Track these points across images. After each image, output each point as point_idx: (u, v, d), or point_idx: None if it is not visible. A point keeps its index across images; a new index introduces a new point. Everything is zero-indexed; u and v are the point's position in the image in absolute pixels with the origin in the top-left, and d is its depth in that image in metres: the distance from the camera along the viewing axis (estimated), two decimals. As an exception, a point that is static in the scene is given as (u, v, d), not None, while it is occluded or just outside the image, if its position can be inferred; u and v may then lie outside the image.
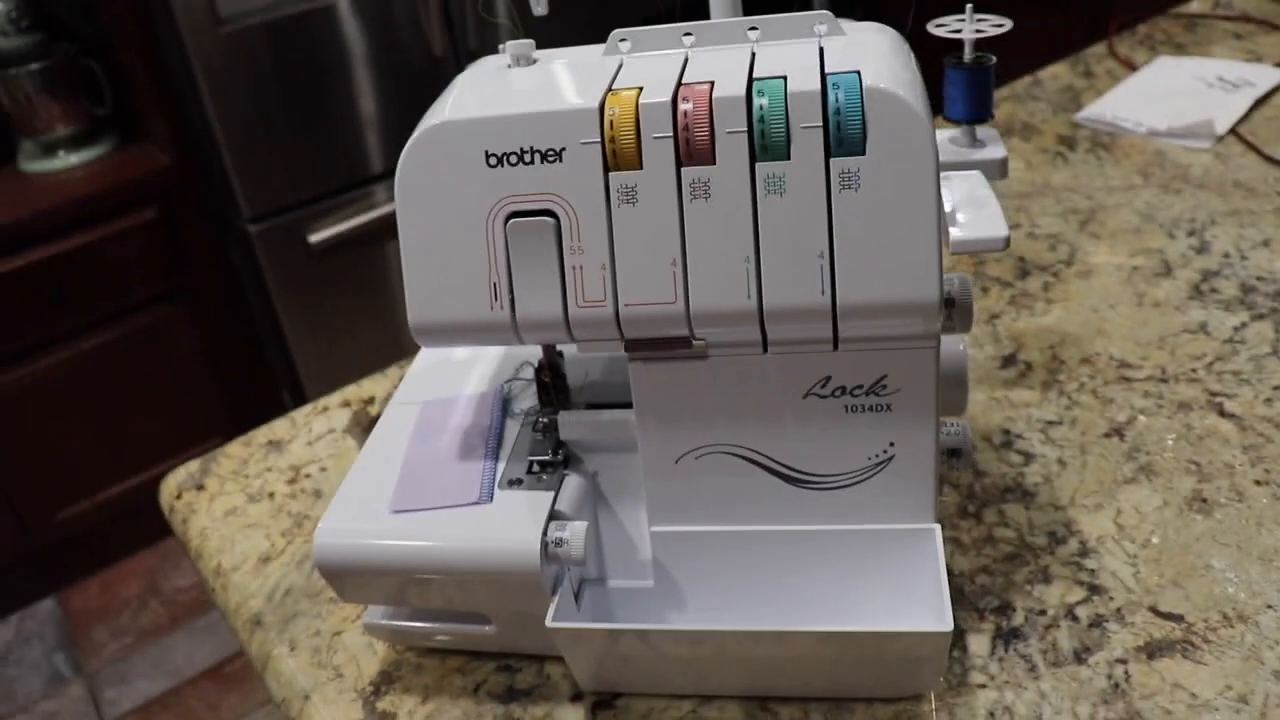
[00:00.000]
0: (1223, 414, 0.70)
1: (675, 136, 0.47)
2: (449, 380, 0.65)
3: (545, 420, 0.58)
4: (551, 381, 0.58)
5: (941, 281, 0.47)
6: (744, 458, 0.54)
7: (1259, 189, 0.96)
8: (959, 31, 0.63)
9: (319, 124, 1.81)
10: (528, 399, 0.62)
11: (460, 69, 0.56)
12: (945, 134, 0.65)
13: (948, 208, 0.52)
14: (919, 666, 0.51)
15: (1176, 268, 0.86)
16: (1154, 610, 0.57)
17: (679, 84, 0.48)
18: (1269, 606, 0.56)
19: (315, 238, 1.86)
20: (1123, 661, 0.55)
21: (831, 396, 0.51)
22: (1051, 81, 1.23)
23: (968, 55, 0.64)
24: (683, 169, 0.47)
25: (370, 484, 0.57)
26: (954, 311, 0.56)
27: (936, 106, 0.54)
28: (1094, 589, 0.59)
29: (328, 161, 1.85)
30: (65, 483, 1.95)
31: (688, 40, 0.53)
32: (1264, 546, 0.60)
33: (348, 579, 0.55)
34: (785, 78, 0.47)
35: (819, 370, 0.51)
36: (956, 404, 0.60)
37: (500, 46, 0.55)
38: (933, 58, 0.63)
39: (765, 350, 0.51)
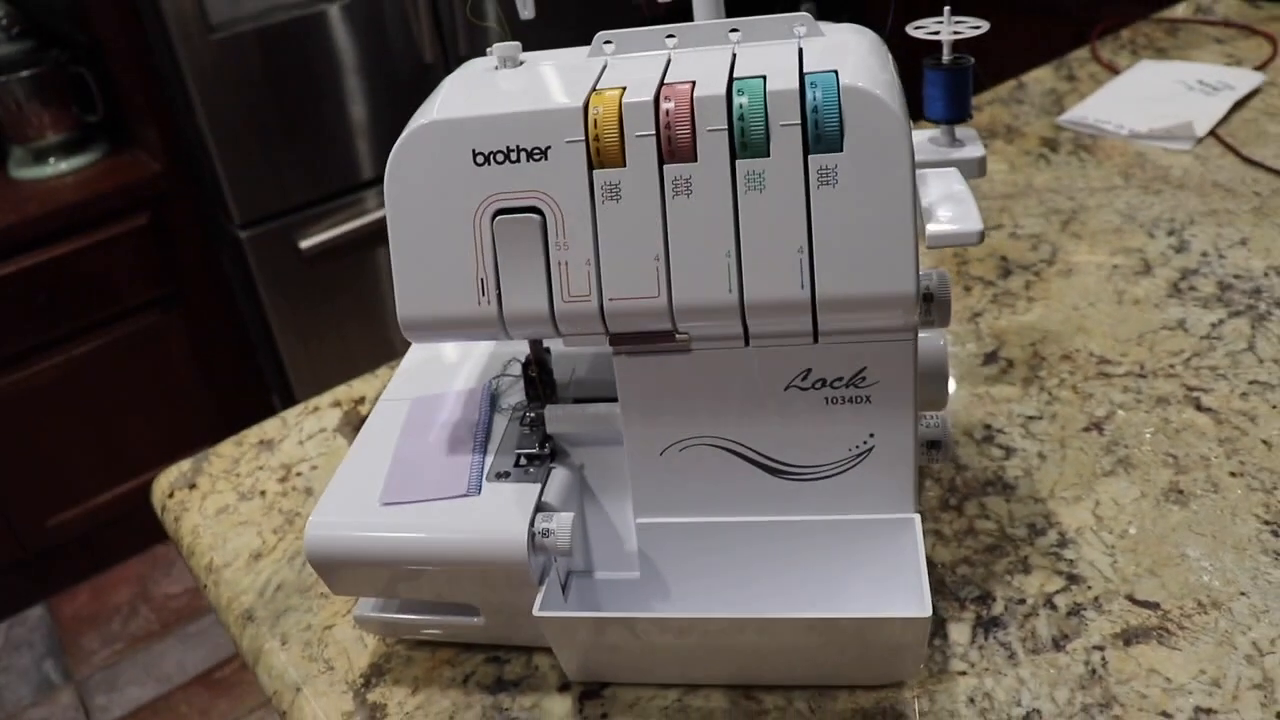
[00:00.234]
0: (1199, 408, 0.71)
1: (658, 135, 0.48)
2: (438, 377, 0.66)
3: (532, 414, 0.59)
4: (539, 377, 0.59)
5: (918, 274, 0.48)
6: (727, 449, 0.55)
7: (1237, 189, 0.97)
8: (938, 33, 0.64)
9: (310, 130, 1.82)
10: (515, 394, 0.62)
11: (450, 75, 0.57)
12: (925, 134, 0.66)
13: (924, 204, 0.53)
14: (900, 653, 0.52)
15: (1156, 266, 0.88)
16: (1131, 598, 0.58)
17: (661, 84, 0.49)
18: (1242, 594, 0.57)
19: (306, 244, 1.86)
20: (1100, 648, 0.56)
21: (812, 388, 0.53)
22: (1035, 85, 1.25)
23: (946, 56, 0.65)
24: (665, 166, 0.48)
25: (360, 478, 0.58)
26: (932, 306, 0.57)
27: (916, 107, 0.55)
28: (1072, 578, 0.60)
29: (318, 168, 1.86)
30: (56, 489, 1.95)
31: (670, 42, 0.54)
32: (1238, 536, 0.61)
33: (338, 571, 0.56)
34: (765, 77, 0.48)
35: (799, 363, 0.52)
36: (937, 398, 0.61)
37: (488, 49, 0.56)
38: (913, 59, 0.64)
39: (747, 343, 0.52)
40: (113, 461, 1.98)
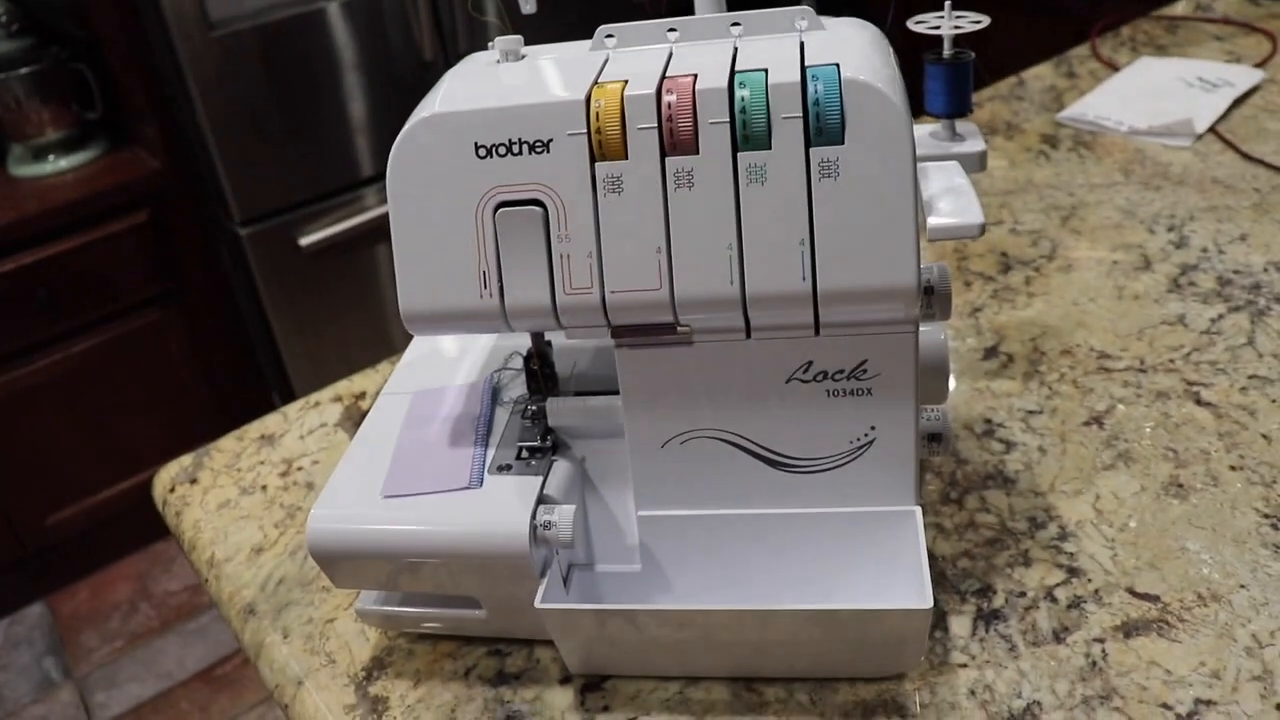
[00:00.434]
0: (1199, 402, 0.72)
1: (659, 127, 0.48)
2: (439, 371, 0.66)
3: (534, 407, 0.59)
4: (540, 370, 0.59)
5: (919, 267, 0.48)
6: (728, 442, 0.55)
7: (1237, 186, 0.98)
8: (938, 28, 0.65)
9: (309, 127, 1.82)
10: (517, 388, 0.63)
11: (451, 74, 0.57)
12: (925, 128, 0.67)
13: (925, 197, 0.53)
14: (901, 646, 0.53)
15: (1156, 262, 0.88)
16: (1131, 591, 0.58)
17: (663, 77, 0.49)
18: (1241, 586, 0.58)
19: (306, 241, 1.86)
20: (1100, 640, 0.56)
21: (813, 381, 0.53)
22: (1035, 82, 1.25)
23: (946, 51, 0.65)
24: (667, 159, 0.48)
25: (362, 471, 0.58)
26: (933, 299, 0.57)
27: (917, 102, 0.55)
28: (1073, 571, 0.60)
29: (318, 165, 1.86)
30: (55, 487, 1.95)
31: (672, 35, 0.54)
32: (1237, 529, 0.61)
33: (340, 564, 0.56)
34: (766, 70, 0.48)
35: (801, 355, 0.52)
36: (938, 392, 0.61)
37: (489, 43, 0.57)
38: (914, 54, 0.65)
39: (748, 336, 0.52)
40: (112, 459, 1.98)
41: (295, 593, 0.67)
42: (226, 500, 0.76)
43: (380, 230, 1.90)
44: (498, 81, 0.53)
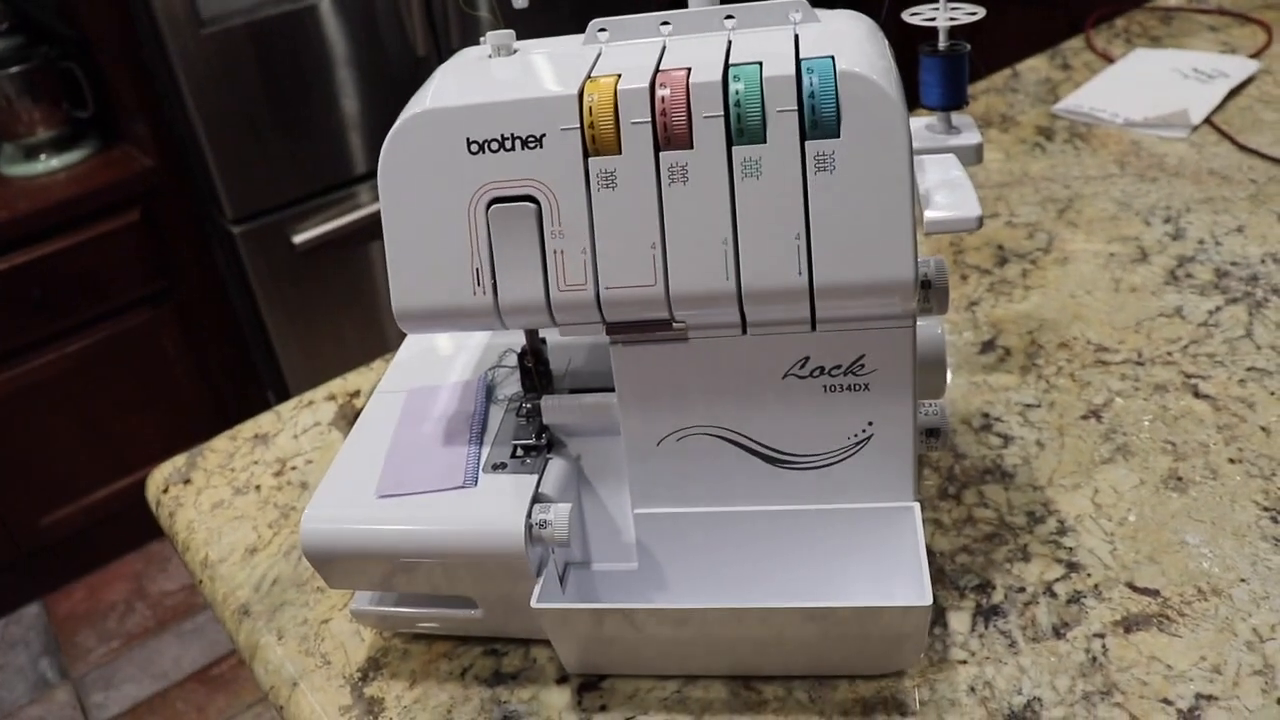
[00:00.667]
0: (1198, 395, 0.71)
1: (653, 122, 0.48)
2: (433, 369, 0.65)
3: (529, 405, 0.59)
4: (535, 367, 0.59)
5: (916, 261, 0.48)
6: (725, 439, 0.54)
7: (1233, 177, 0.97)
8: (933, 20, 0.64)
9: (302, 125, 1.81)
10: (511, 385, 0.62)
11: (443, 69, 0.56)
12: (921, 121, 0.66)
13: (922, 190, 0.53)
14: (900, 643, 0.52)
15: (1152, 254, 0.87)
16: (1130, 586, 0.58)
17: (657, 70, 0.49)
18: (1242, 580, 0.57)
19: (299, 238, 1.86)
20: (1100, 636, 0.55)
21: (810, 377, 0.52)
22: (1030, 74, 1.25)
23: (942, 43, 0.65)
24: (661, 153, 0.48)
25: (356, 470, 0.58)
26: (930, 293, 0.57)
27: (912, 95, 0.54)
28: (1072, 566, 0.60)
29: (311, 162, 1.85)
30: (50, 487, 1.94)
31: (665, 29, 0.53)
32: (1237, 522, 0.61)
33: (334, 564, 0.56)
34: (761, 63, 0.47)
35: (798, 351, 0.52)
36: (935, 386, 0.61)
37: (481, 38, 0.56)
38: (909, 46, 0.64)
39: (744, 331, 0.51)
40: (107, 458, 1.97)
41: (290, 593, 0.66)
42: (220, 500, 0.75)
43: (374, 227, 1.89)
44: (490, 76, 0.52)
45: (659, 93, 0.48)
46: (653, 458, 0.56)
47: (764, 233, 0.48)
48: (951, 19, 0.64)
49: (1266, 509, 0.62)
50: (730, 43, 0.50)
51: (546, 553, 0.55)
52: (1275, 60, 1.19)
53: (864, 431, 0.53)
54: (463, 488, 0.55)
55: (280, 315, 1.91)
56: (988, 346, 0.79)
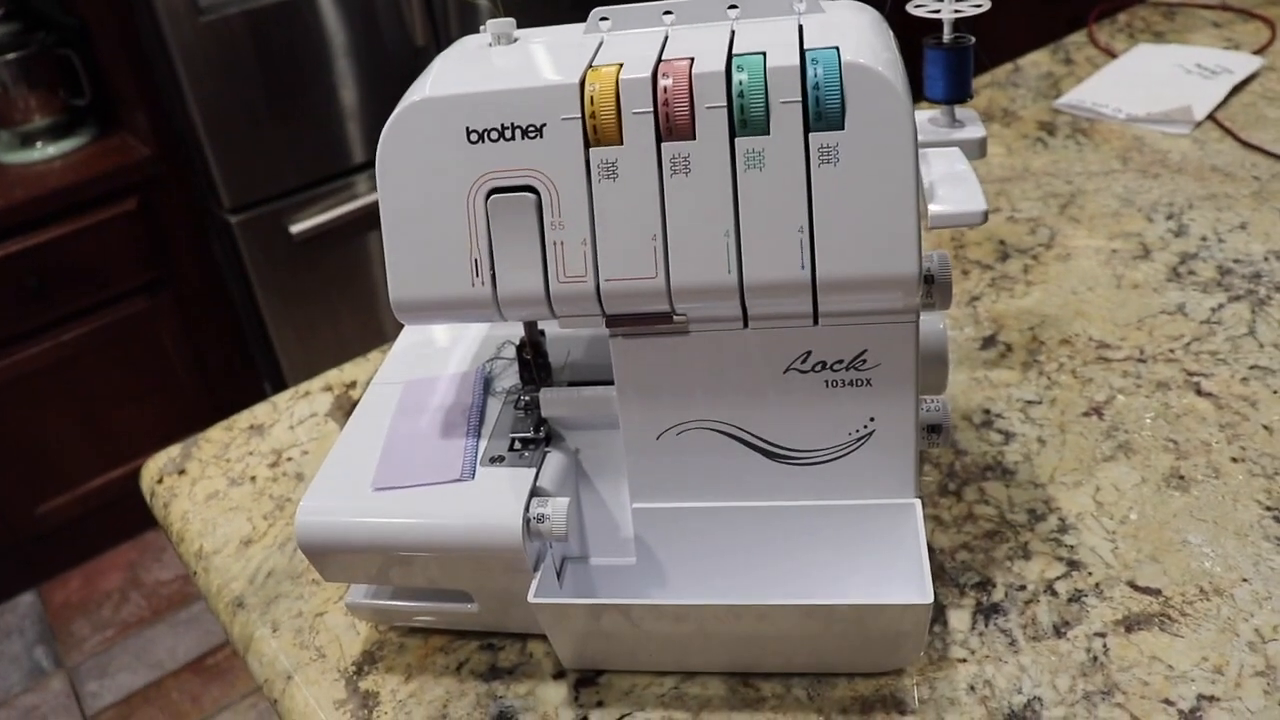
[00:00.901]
0: (1200, 393, 0.71)
1: (655, 112, 0.47)
2: (431, 360, 0.65)
3: (527, 398, 0.58)
4: (533, 360, 0.58)
5: (920, 256, 0.47)
6: (725, 433, 0.54)
7: (1236, 173, 0.97)
8: (938, 11, 0.63)
9: (300, 114, 1.81)
10: (509, 378, 0.62)
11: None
12: (925, 114, 0.65)
13: (926, 184, 0.52)
14: (900, 640, 0.52)
15: (1155, 251, 0.87)
16: (1132, 585, 0.58)
17: (659, 60, 0.48)
18: (1244, 580, 0.57)
19: (297, 228, 1.85)
20: (1101, 635, 0.55)
21: (812, 371, 0.52)
22: (1032, 68, 1.24)
23: (947, 35, 0.64)
24: (663, 144, 0.47)
25: (352, 463, 0.57)
26: (933, 288, 0.56)
27: (916, 88, 0.54)
28: (1073, 564, 0.59)
29: (309, 152, 1.84)
30: (46, 475, 1.93)
31: (668, 18, 0.53)
32: (1239, 522, 0.61)
33: (330, 557, 0.55)
34: (764, 53, 0.47)
35: (799, 345, 0.51)
36: (937, 382, 0.60)
37: (481, 26, 0.55)
38: (913, 39, 0.63)
39: (746, 325, 0.51)
40: (103, 447, 1.97)
41: (285, 585, 0.66)
42: (215, 491, 0.75)
43: (372, 217, 1.88)
44: (490, 65, 0.51)
45: (661, 83, 0.47)
46: (652, 452, 0.55)
47: (766, 225, 0.47)
48: (956, 11, 0.63)
49: (1269, 508, 0.61)
50: (733, 32, 0.50)
51: (544, 547, 0.55)
52: (1279, 57, 1.19)
53: (865, 427, 0.53)
54: (460, 481, 0.55)
55: (277, 305, 1.91)
56: (989, 342, 0.78)
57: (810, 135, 0.46)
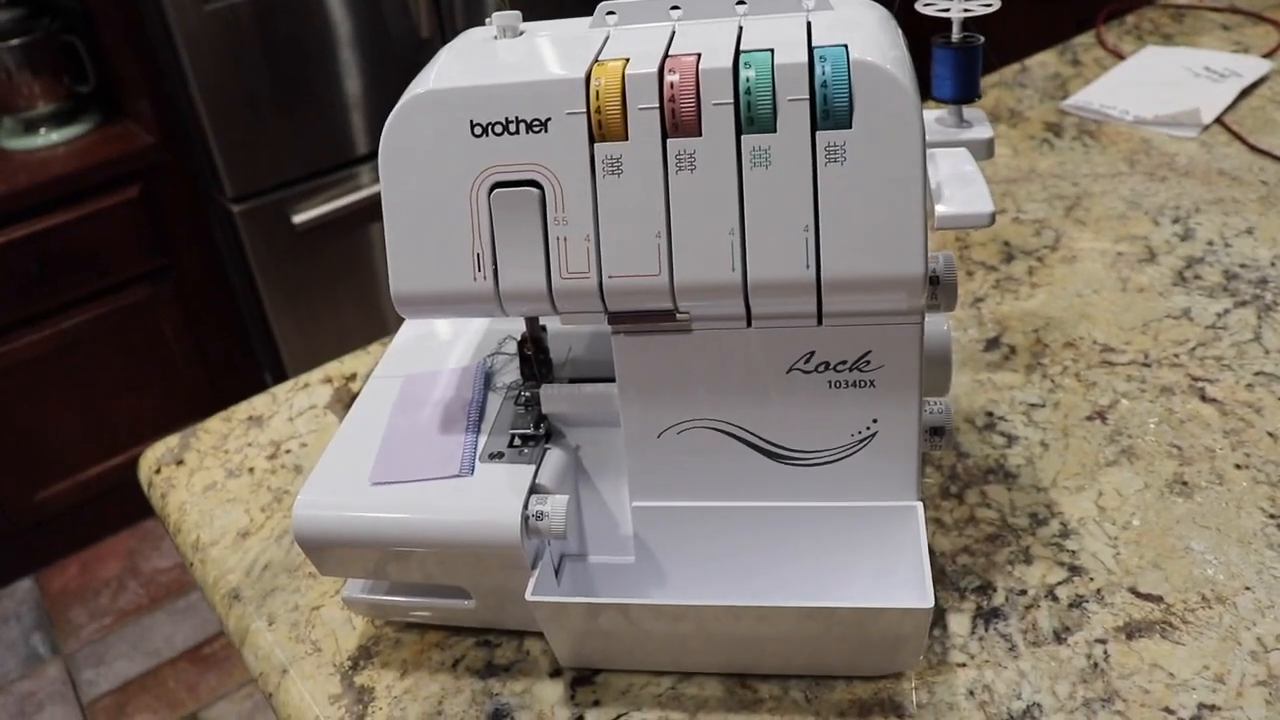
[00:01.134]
0: (1204, 398, 0.70)
1: (661, 108, 0.47)
2: (431, 354, 0.64)
3: (527, 394, 0.58)
4: (534, 355, 0.58)
5: (926, 257, 0.47)
6: (727, 433, 0.54)
7: (1243, 178, 0.96)
8: (947, 10, 0.63)
9: (304, 104, 1.80)
10: (510, 373, 0.61)
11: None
12: (932, 114, 0.65)
13: (933, 184, 0.52)
14: (899, 644, 0.51)
15: (1161, 254, 0.86)
16: (1134, 591, 0.57)
17: (666, 55, 0.47)
18: (1247, 588, 0.57)
19: (299, 218, 1.84)
20: (1102, 641, 0.55)
21: (815, 372, 0.51)
22: (1039, 69, 1.23)
23: (955, 34, 0.63)
24: (668, 141, 0.47)
25: (350, 457, 0.57)
26: (939, 289, 0.56)
27: (924, 87, 0.53)
28: (1074, 570, 0.59)
29: (312, 142, 1.83)
30: (45, 462, 1.93)
31: (675, 13, 0.52)
32: (1243, 529, 0.60)
33: (326, 551, 0.55)
34: (772, 50, 0.46)
35: (803, 345, 0.51)
36: (940, 384, 0.60)
37: (486, 19, 0.55)
38: (922, 39, 0.63)
39: (749, 324, 0.50)
40: (102, 435, 1.96)
41: (281, 579, 0.65)
42: (213, 482, 0.74)
43: (375, 209, 1.88)
44: (495, 58, 0.51)
45: (668, 78, 0.46)
46: (653, 450, 0.55)
47: (772, 224, 0.47)
48: (966, 10, 0.62)
49: (1273, 516, 0.61)
50: (741, 29, 0.49)
51: (542, 545, 0.54)
52: (1288, 61, 1.18)
53: (868, 429, 0.53)
54: (458, 477, 0.54)
55: (279, 295, 1.90)
56: (992, 344, 0.78)
57: (817, 134, 0.46)
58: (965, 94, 0.64)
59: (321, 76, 1.80)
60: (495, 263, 0.49)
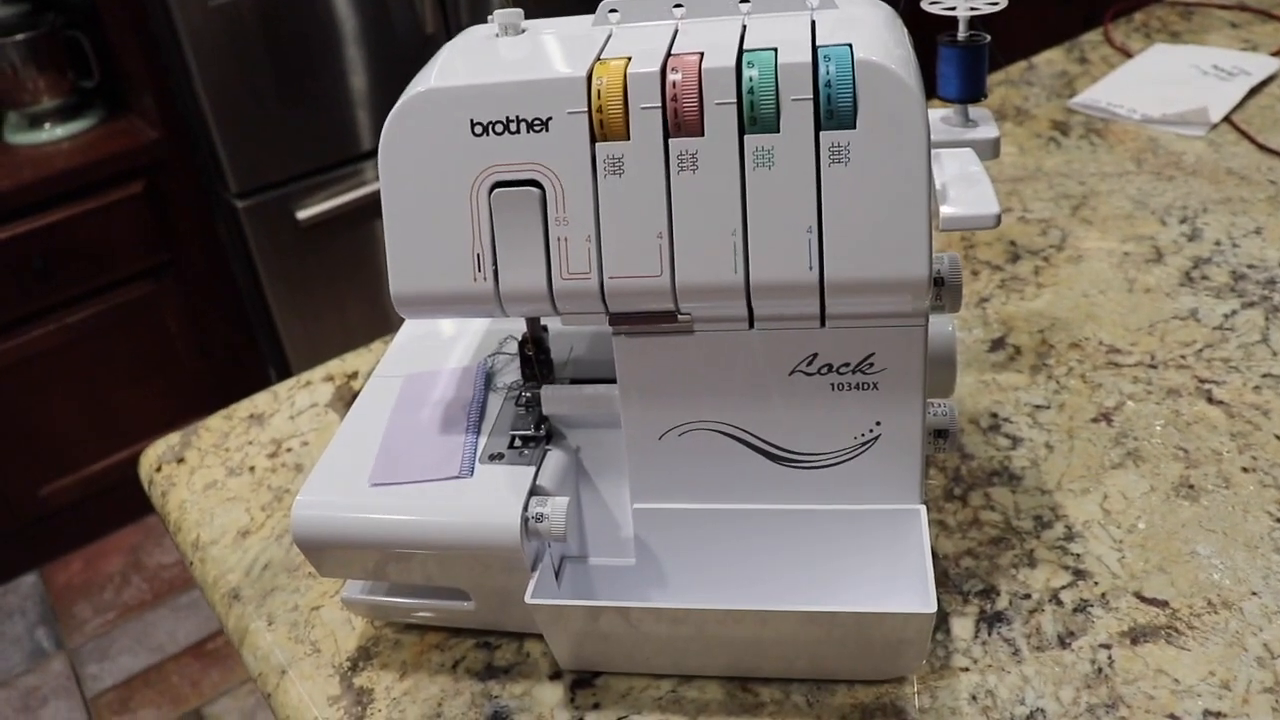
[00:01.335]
0: (1211, 401, 0.70)
1: (663, 107, 0.46)
2: (432, 354, 0.64)
3: (528, 395, 0.57)
4: (535, 356, 0.58)
5: (931, 258, 0.46)
6: (728, 435, 0.53)
7: (1252, 177, 0.95)
8: (953, 9, 0.62)
9: (308, 99, 1.80)
10: (511, 373, 0.61)
11: (452, 46, 0.55)
12: (938, 113, 0.64)
13: (938, 185, 0.51)
14: (902, 648, 0.51)
15: (1168, 254, 0.86)
16: (1139, 596, 0.57)
17: (668, 54, 0.47)
18: (1254, 593, 0.56)
19: (303, 214, 1.84)
20: (1106, 646, 0.54)
21: (818, 374, 0.51)
22: (1046, 67, 1.23)
23: (961, 33, 0.63)
24: (670, 140, 0.46)
25: (350, 457, 0.57)
26: (943, 291, 0.56)
27: (930, 86, 0.53)
28: (1079, 573, 0.58)
29: (317, 138, 1.83)
30: (49, 457, 1.93)
31: (678, 12, 0.52)
32: (1250, 533, 0.60)
33: (325, 552, 0.55)
34: (776, 49, 0.46)
35: (806, 347, 0.50)
36: (945, 385, 0.60)
37: (489, 16, 0.54)
38: (927, 37, 0.62)
39: (751, 326, 0.50)
40: (106, 430, 1.96)
41: (281, 578, 0.65)
42: (213, 481, 0.74)
43: (379, 205, 1.87)
44: (496, 56, 0.51)
45: (670, 77, 0.46)
46: (654, 452, 0.54)
47: (774, 225, 0.46)
48: (972, 9, 0.62)
49: (1280, 520, 0.60)
50: (745, 27, 0.49)
51: (542, 547, 0.54)
52: (1298, 59, 1.18)
53: (871, 431, 0.52)
54: (458, 478, 0.54)
55: (283, 291, 1.90)
56: (997, 345, 0.77)
57: (821, 134, 0.45)
58: (971, 93, 0.64)
59: (326, 72, 1.79)
60: (495, 263, 0.49)
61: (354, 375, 0.83)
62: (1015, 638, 0.55)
